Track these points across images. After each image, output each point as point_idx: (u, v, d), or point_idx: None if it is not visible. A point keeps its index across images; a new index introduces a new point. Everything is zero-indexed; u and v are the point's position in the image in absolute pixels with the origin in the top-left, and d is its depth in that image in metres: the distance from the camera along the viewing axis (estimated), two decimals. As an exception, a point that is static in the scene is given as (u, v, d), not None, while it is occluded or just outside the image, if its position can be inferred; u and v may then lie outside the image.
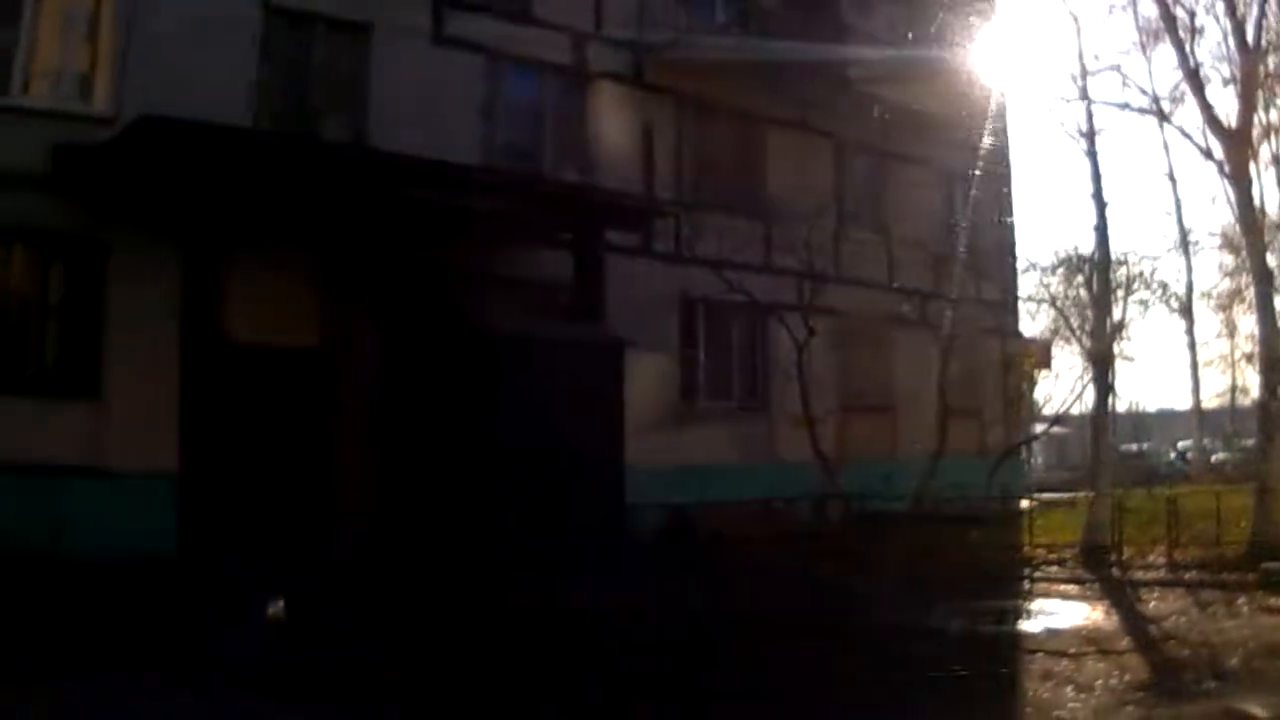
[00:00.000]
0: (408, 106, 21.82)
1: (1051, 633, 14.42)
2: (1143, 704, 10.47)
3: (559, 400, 18.93)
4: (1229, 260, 50.00)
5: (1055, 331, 36.35)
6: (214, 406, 16.89)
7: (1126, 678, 11.53)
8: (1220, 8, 23.05)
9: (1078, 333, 30.56)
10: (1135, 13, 26.56)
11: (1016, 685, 11.79)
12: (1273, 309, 21.83)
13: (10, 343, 18.82)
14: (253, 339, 18.58)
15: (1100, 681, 11.40)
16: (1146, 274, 40.18)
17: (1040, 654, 13.06)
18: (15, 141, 18.29)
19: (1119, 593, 17.84)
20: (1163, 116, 26.75)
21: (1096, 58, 34.61)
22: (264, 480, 18.60)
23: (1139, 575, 19.15)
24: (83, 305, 19.16)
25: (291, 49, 21.31)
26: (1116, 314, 25.84)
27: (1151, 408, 63.02)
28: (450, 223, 20.13)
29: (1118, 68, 27.03)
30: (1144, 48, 29.19)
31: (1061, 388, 58.76)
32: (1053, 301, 36.02)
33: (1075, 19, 27.72)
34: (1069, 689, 11.13)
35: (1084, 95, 23.90)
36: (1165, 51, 23.74)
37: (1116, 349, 24.39)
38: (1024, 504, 28.13)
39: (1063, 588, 18.69)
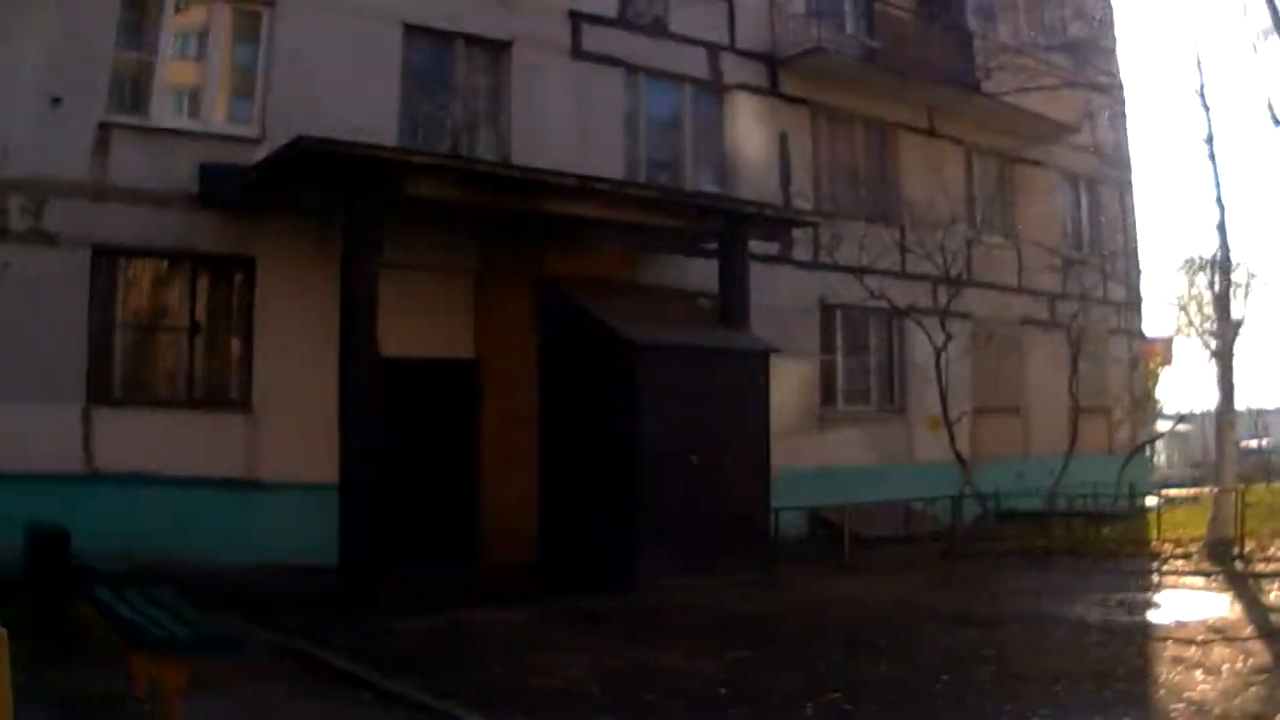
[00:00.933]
0: (550, 121, 22.54)
1: (1179, 622, 14.97)
2: (1266, 684, 11.27)
3: (707, 406, 19.33)
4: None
5: (1178, 330, 36.63)
6: (371, 417, 17.25)
7: (1250, 662, 12.29)
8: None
9: (1200, 331, 30.82)
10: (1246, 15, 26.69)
11: (1149, 669, 12.54)
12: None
13: (165, 357, 19.62)
14: (407, 351, 19.27)
15: (1226, 666, 12.16)
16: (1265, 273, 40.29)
17: (1170, 641, 13.73)
18: (164, 162, 19.02)
19: (1242, 585, 18.27)
20: (1276, 120, 27.10)
21: (1212, 59, 34.78)
22: (420, 488, 19.45)
23: (1261, 568, 19.51)
24: (234, 320, 19.98)
25: (433, 67, 22.00)
26: (1237, 312, 26.07)
27: (1271, 404, 62.66)
28: (598, 234, 20.67)
29: (1233, 72, 27.28)
30: (1256, 48, 29.48)
31: (1185, 386, 58.54)
32: (1176, 301, 36.28)
33: (1191, 24, 27.89)
34: (1198, 672, 11.89)
35: (1202, 101, 24.37)
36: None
37: (1237, 347, 24.65)
38: (1151, 500, 28.60)
39: (1189, 580, 19.12)
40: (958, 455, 25.07)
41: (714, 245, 22.15)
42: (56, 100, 18.33)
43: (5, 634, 6.88)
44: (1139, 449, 31.09)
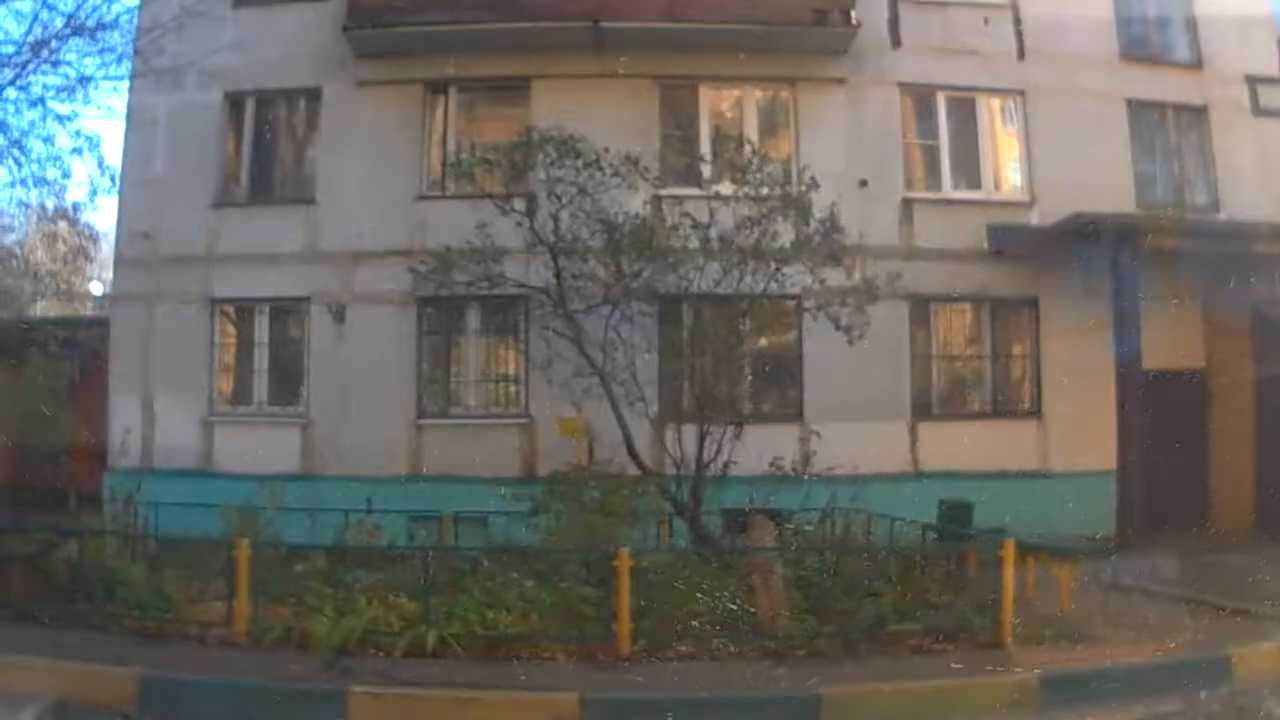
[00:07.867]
0: (1243, 171, 25.67)
1: None
2: None
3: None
4: None
5: None
6: (1138, 418, 21.60)
7: None
8: None
9: None
10: None
11: None
12: None
13: (969, 380, 24.88)
14: (1154, 364, 22.41)
15: None
16: None
17: None
18: (957, 227, 24.15)
19: None
20: None
21: None
22: (1168, 476, 22.06)
23: None
24: (1023, 346, 24.86)
25: (1151, 133, 26.01)
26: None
27: None
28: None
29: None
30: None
31: None
32: None
33: None
34: None
35: None
36: None
37: None
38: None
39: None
40: None
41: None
42: (863, 182, 23.90)
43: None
44: None
